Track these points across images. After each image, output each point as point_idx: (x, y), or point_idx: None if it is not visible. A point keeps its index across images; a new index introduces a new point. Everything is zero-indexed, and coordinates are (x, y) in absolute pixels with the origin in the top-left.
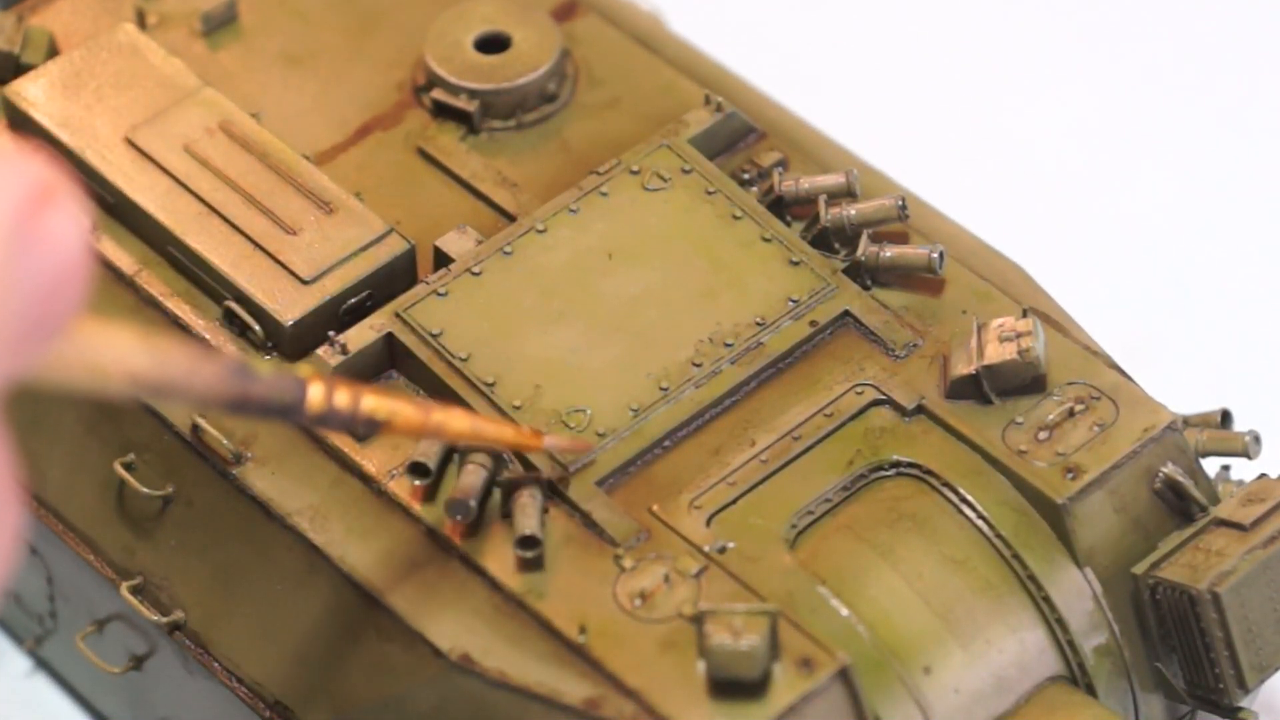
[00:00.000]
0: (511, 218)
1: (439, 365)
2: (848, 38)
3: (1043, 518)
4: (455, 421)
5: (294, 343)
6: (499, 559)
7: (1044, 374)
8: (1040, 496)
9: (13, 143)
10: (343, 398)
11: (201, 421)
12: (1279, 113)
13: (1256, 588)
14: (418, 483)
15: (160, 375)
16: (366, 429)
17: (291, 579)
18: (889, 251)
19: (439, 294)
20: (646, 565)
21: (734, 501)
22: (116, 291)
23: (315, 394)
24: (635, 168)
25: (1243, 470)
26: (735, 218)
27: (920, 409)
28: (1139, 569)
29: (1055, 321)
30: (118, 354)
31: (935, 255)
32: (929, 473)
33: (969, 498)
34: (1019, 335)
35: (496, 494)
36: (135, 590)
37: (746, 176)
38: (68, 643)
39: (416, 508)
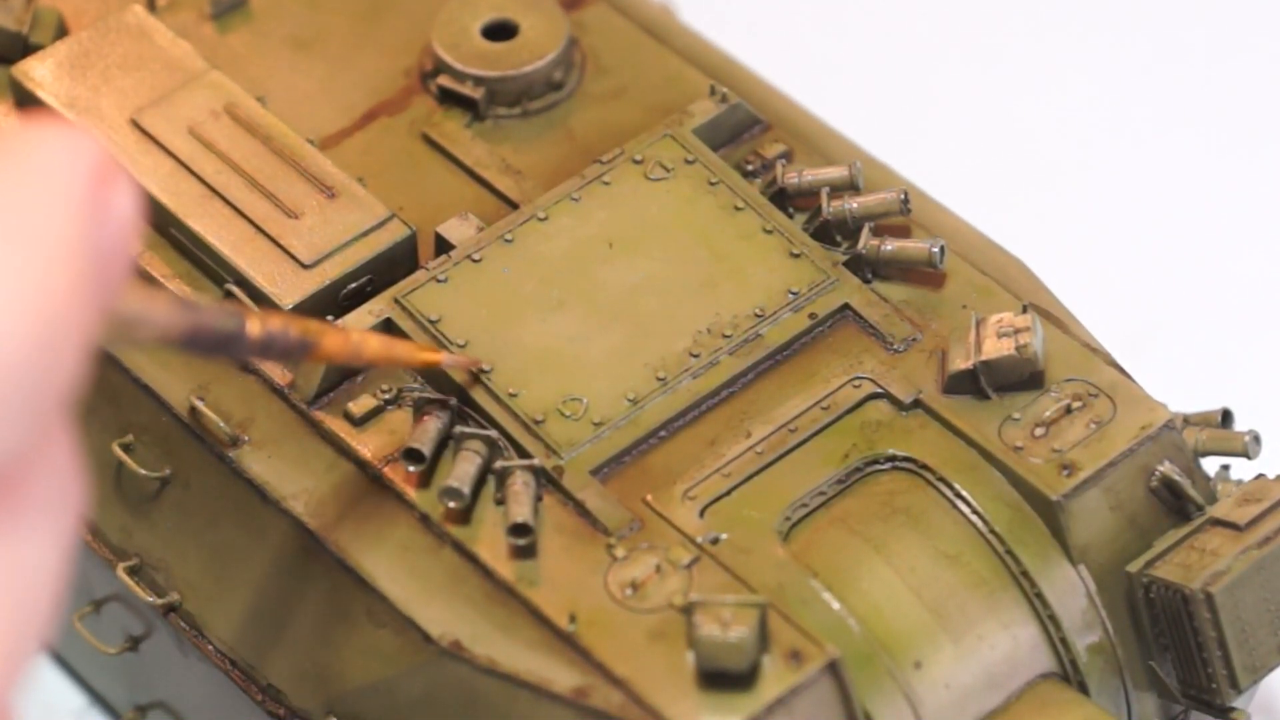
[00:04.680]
0: (515, 205)
1: None
2: (856, 31)
3: (1037, 514)
4: (371, 340)
5: None
6: (491, 546)
7: (1042, 370)
8: (1035, 493)
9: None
10: (276, 322)
11: (199, 404)
12: None
13: (1250, 588)
14: (412, 469)
15: (120, 311)
16: (300, 351)
17: (286, 563)
18: (890, 245)
19: (438, 280)
20: (638, 555)
21: (728, 493)
22: None
23: (253, 320)
24: (638, 157)
25: (1242, 470)
26: (737, 209)
27: (917, 403)
28: (1133, 567)
29: (1055, 318)
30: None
31: (936, 250)
32: (924, 467)
33: (964, 493)
34: (1017, 331)
35: (490, 481)
36: (132, 571)
37: (750, 168)
38: (66, 623)
39: (411, 493)
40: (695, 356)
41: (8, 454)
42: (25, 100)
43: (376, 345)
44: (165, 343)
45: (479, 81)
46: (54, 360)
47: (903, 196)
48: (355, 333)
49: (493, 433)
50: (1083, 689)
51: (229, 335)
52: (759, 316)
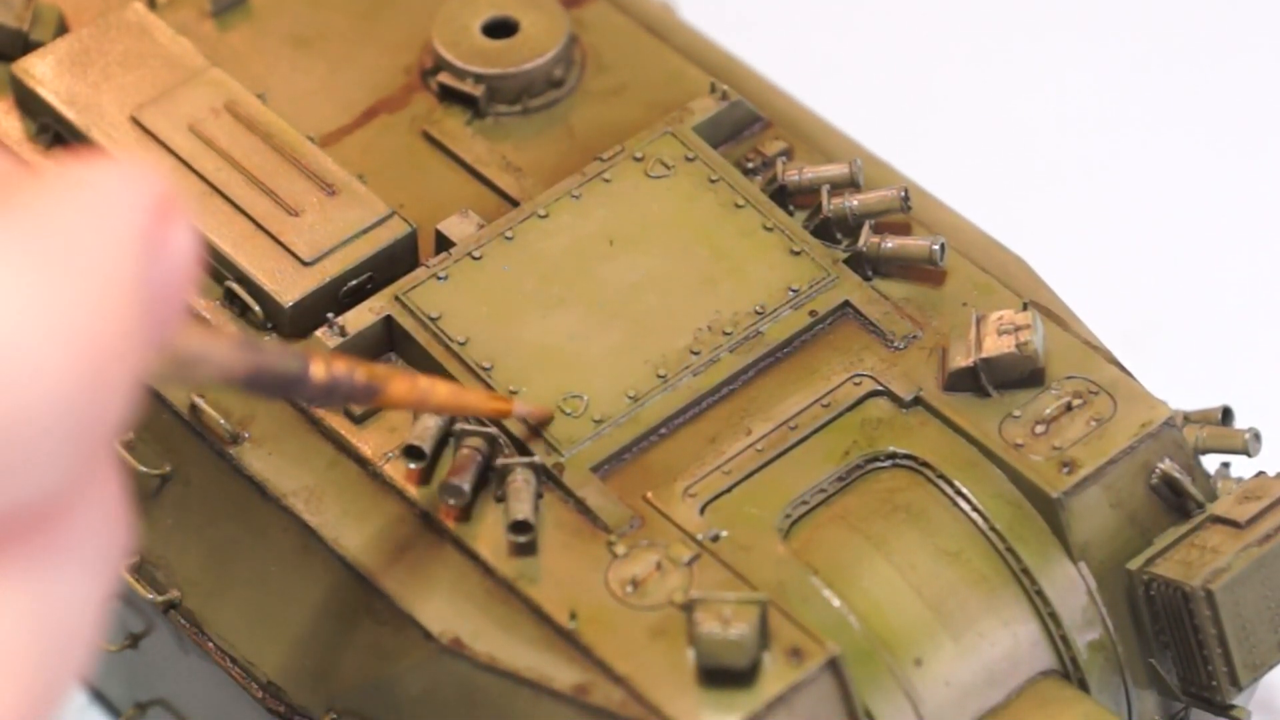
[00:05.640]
0: (515, 203)
1: (437, 349)
2: (856, 29)
3: (1038, 511)
4: (439, 388)
5: (293, 324)
6: (491, 543)
7: (1042, 368)
8: (1035, 490)
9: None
10: (341, 365)
11: (200, 401)
12: None
13: (1251, 585)
14: (413, 466)
15: (180, 350)
16: (365, 396)
17: (286, 560)
18: (890, 242)
19: (439, 278)
20: (639, 552)
21: (729, 490)
22: None
23: (318, 363)
24: (639, 154)
25: (1243, 468)
26: (737, 206)
27: (918, 400)
28: (1134, 565)
29: (1055, 315)
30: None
31: (936, 247)
32: (925, 464)
33: (964, 490)
34: (1017, 328)
35: (491, 478)
36: (132, 569)
37: (750, 165)
38: None
39: (411, 491)
40: (696, 354)
41: (49, 490)
42: (25, 97)
43: (445, 393)
44: (226, 383)
45: (479, 79)
46: (100, 397)
47: (903, 194)
48: (423, 378)
49: (493, 429)
50: (1083, 686)
51: (292, 378)
52: (759, 314)
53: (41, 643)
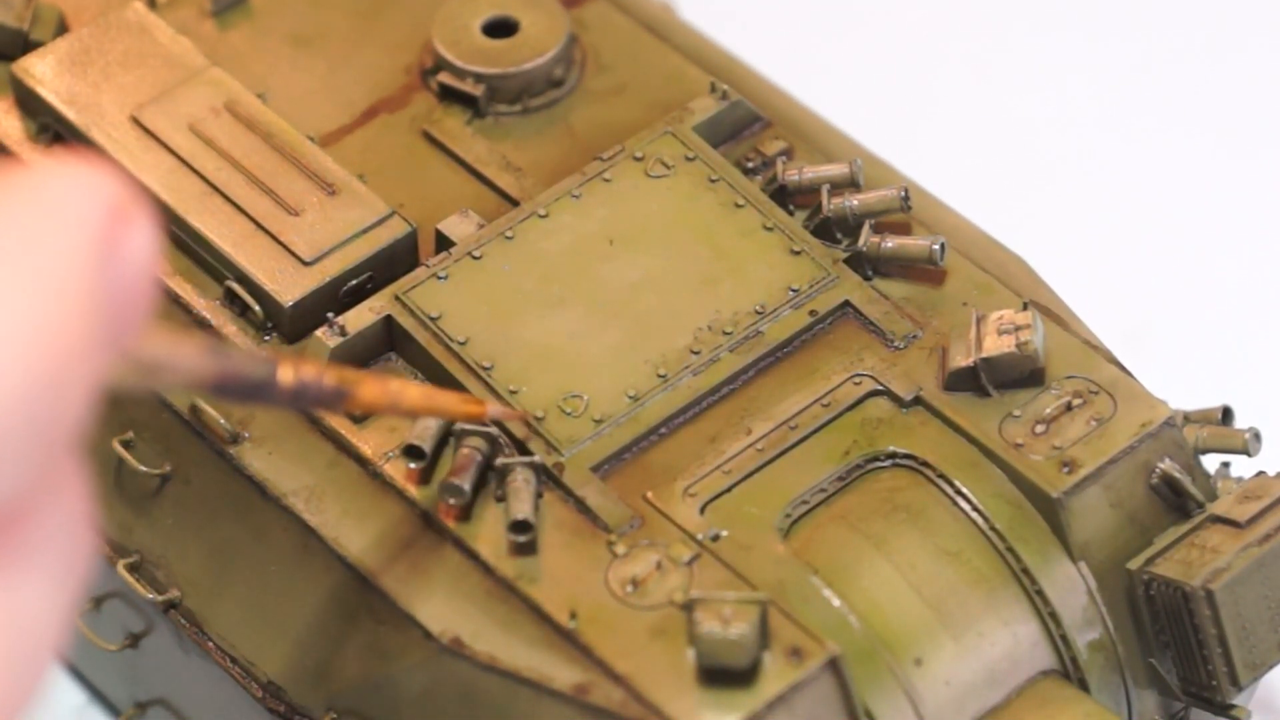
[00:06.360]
0: (515, 202)
1: (437, 348)
2: (857, 28)
3: (1038, 511)
4: (411, 391)
5: (293, 324)
6: (491, 543)
7: (1042, 367)
8: (1035, 490)
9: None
10: (310, 370)
11: (200, 401)
12: None
13: (1251, 585)
14: (413, 465)
15: (145, 356)
16: (334, 400)
17: (286, 559)
18: (890, 242)
19: (439, 277)
20: (639, 552)
21: (729, 490)
22: None
23: (285, 368)
24: (639, 154)
25: (1243, 467)
26: (738, 206)
27: (918, 400)
28: (1134, 564)
29: (1055, 315)
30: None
31: (936, 247)
32: (925, 464)
33: (964, 490)
34: (1018, 328)
35: (491, 478)
36: (132, 568)
37: (751, 165)
38: None
39: (411, 490)
40: (696, 353)
41: (6, 495)
42: (25, 97)
43: (416, 395)
44: (193, 388)
45: (479, 78)
46: (58, 401)
47: (903, 194)
48: (395, 381)
49: (493, 429)
50: (1083, 686)
51: (259, 383)
52: (759, 313)
53: (6, 649)
